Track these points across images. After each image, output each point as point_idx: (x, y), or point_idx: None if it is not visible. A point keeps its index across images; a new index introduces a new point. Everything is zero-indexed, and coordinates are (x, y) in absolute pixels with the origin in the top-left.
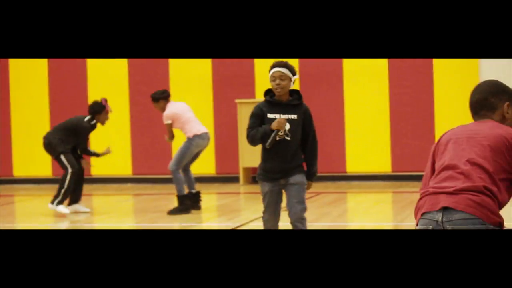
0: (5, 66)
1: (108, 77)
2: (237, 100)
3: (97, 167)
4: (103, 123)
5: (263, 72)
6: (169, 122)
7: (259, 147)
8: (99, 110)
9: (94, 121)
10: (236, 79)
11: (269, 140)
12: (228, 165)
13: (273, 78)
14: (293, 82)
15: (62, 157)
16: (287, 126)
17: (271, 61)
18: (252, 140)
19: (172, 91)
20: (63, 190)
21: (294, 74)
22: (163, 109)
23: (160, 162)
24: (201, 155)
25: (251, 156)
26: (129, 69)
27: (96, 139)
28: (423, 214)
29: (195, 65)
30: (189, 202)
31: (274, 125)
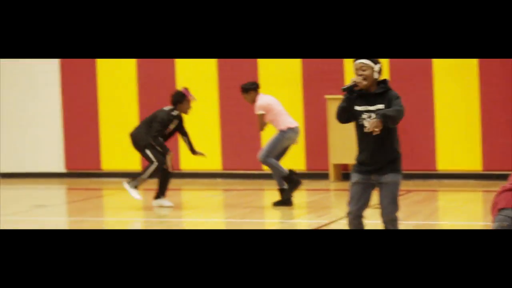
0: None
1: (197, 73)
2: (326, 96)
3: (186, 162)
4: (186, 112)
5: (352, 68)
6: (263, 112)
7: (349, 144)
8: (180, 100)
9: (176, 111)
10: (326, 75)
11: (347, 86)
12: (318, 162)
13: (356, 71)
14: (379, 72)
15: (147, 151)
16: (373, 118)
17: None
18: (337, 111)
19: (261, 87)
20: (140, 177)
21: (376, 63)
22: (253, 101)
23: (250, 157)
24: (291, 151)
25: (341, 152)
26: (218, 65)
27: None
28: (499, 210)
29: (284, 61)
30: (296, 177)
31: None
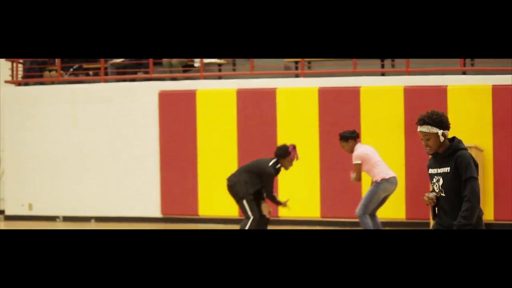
0: (192, 98)
1: (298, 115)
2: None
3: (285, 209)
4: (286, 168)
5: (457, 113)
6: (359, 162)
7: None
8: (284, 155)
9: (279, 165)
10: None
11: (432, 212)
12: (419, 210)
13: (421, 139)
14: (443, 135)
15: (245, 202)
16: (440, 182)
17: (462, 103)
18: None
19: (363, 132)
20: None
21: (440, 127)
22: (351, 150)
23: (349, 206)
24: (391, 199)
25: None
26: (319, 106)
27: (285, 180)
28: None
29: (387, 106)
30: None
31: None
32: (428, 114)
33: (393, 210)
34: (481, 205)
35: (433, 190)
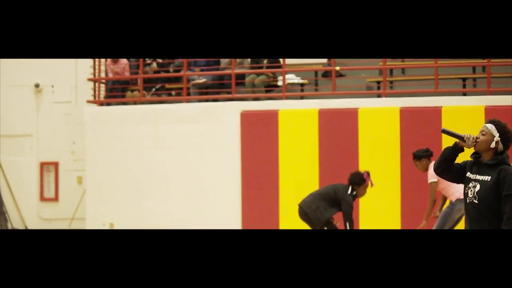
0: (274, 118)
1: (379, 135)
2: None
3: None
4: (361, 195)
5: None
6: (435, 180)
7: None
8: (359, 183)
9: (355, 192)
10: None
11: (449, 130)
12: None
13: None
14: (496, 143)
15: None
16: (477, 188)
17: None
18: (436, 160)
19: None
20: None
21: (501, 136)
22: (425, 168)
23: (431, 226)
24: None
25: None
26: (401, 126)
27: (366, 200)
28: None
29: (469, 125)
30: None
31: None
32: (502, 122)
33: None
34: None
35: (466, 195)
